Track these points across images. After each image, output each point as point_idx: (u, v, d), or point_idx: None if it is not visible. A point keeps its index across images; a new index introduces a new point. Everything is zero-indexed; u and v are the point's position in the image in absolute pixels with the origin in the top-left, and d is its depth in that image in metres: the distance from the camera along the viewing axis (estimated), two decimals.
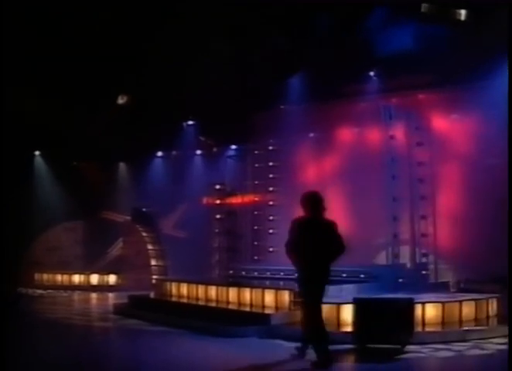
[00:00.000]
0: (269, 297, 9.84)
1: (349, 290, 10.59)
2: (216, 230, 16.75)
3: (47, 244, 19.62)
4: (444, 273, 13.01)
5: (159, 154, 19.96)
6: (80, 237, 19.93)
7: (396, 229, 12.49)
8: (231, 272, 15.22)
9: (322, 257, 6.95)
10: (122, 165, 20.73)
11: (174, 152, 19.62)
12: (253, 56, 15.02)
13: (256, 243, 15.79)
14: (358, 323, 7.48)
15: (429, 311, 8.68)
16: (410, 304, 7.42)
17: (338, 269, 12.16)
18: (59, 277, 18.67)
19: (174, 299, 11.85)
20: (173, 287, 12.21)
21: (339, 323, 8.70)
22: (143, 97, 17.21)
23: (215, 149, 18.87)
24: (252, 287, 10.40)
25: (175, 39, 14.68)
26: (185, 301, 11.45)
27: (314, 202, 7.21)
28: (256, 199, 16.22)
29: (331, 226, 7.11)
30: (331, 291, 10.19)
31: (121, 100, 17.26)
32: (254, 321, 9.01)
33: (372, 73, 14.47)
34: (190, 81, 15.77)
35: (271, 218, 15.82)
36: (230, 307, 10.22)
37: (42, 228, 19.61)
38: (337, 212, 15.04)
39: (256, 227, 16.07)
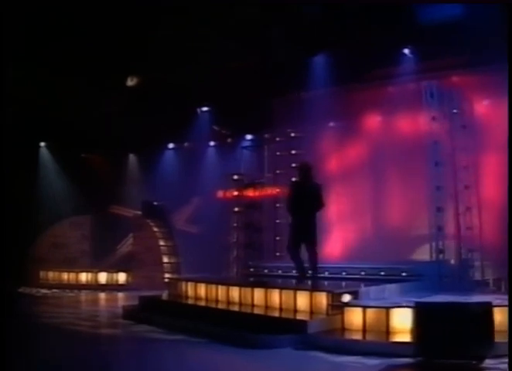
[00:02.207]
0: (302, 300, 8.46)
1: (392, 290, 9.37)
2: (234, 224, 15.58)
3: (53, 240, 18.78)
4: (485, 270, 11.74)
5: (171, 145, 19.05)
6: (87, 233, 19.09)
7: (440, 221, 11.12)
8: (251, 270, 13.98)
9: (309, 210, 9.24)
10: (132, 157, 19.96)
11: (186, 144, 18.63)
12: (271, 32, 13.81)
13: (278, 238, 14.44)
14: (421, 332, 6.10)
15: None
16: (488, 310, 6.04)
17: (376, 267, 11.03)
18: (65, 276, 17.83)
19: (190, 301, 10.50)
20: (189, 288, 10.86)
21: (388, 331, 7.35)
22: (154, 85, 16.20)
23: (229, 140, 17.72)
24: (282, 288, 9.01)
25: (188, 19, 13.61)
26: (203, 303, 10.09)
27: (304, 169, 9.44)
28: (277, 190, 14.91)
29: (317, 188, 9.35)
30: (372, 292, 8.97)
31: (130, 82, 16.16)
32: (287, 329, 7.61)
33: (407, 51, 13.18)
34: (204, 65, 14.83)
35: None
36: (256, 311, 8.86)
37: (47, 223, 18.79)
38: (371, 203, 14.03)
39: (278, 221, 14.74)
